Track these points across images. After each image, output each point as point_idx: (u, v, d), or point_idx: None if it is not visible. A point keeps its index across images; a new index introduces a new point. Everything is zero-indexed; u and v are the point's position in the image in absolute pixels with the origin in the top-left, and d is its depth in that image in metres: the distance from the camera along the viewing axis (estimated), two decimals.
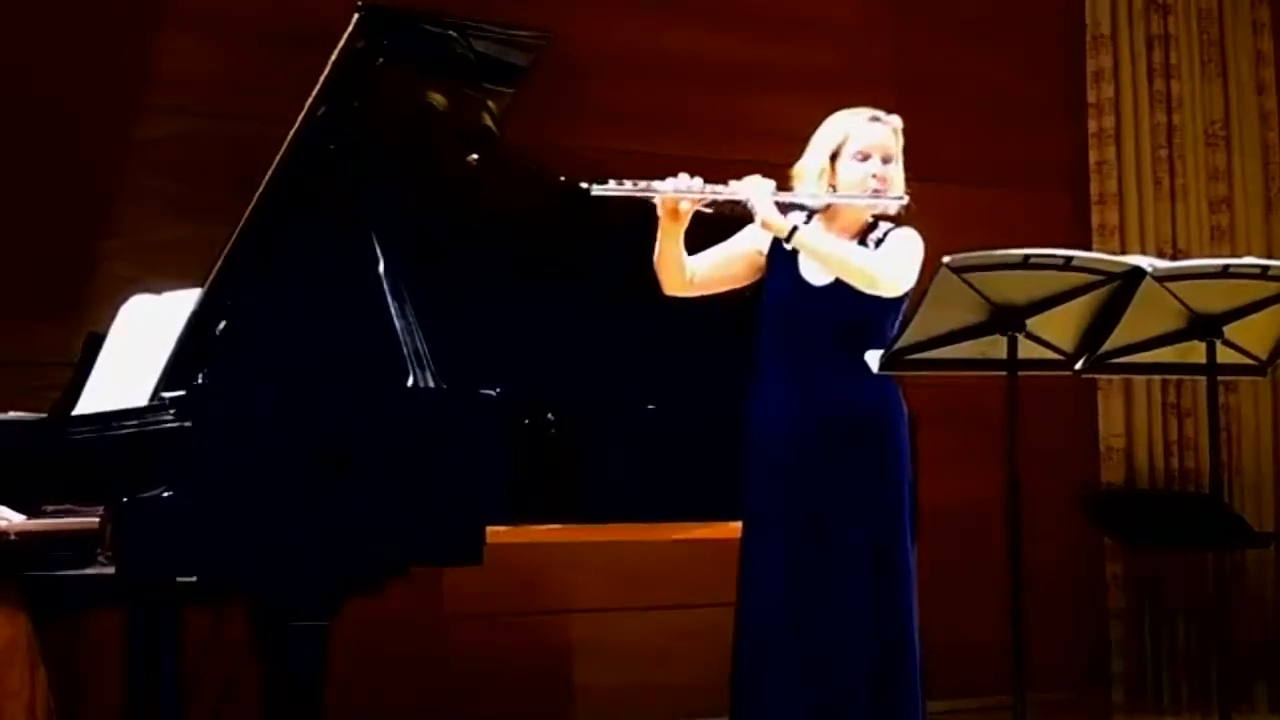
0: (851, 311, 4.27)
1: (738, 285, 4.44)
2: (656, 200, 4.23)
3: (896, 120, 4.40)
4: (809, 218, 4.34)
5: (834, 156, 4.35)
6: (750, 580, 4.30)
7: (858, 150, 4.34)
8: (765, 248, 4.39)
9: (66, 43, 6.01)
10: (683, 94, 7.13)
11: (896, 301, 4.30)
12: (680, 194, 4.21)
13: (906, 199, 4.33)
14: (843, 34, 7.69)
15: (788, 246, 4.28)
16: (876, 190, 4.32)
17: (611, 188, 4.27)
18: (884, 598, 4.25)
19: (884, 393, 4.33)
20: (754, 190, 4.21)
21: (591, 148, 6.35)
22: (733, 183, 4.24)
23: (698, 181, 4.22)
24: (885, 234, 4.38)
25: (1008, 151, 8.00)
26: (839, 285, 4.28)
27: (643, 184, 4.25)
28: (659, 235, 4.29)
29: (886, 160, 4.35)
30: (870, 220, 4.39)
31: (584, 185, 4.30)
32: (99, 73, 6.10)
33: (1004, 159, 7.97)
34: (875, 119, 4.38)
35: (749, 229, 4.42)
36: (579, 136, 6.53)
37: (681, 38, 7.26)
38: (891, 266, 4.26)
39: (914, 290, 4.29)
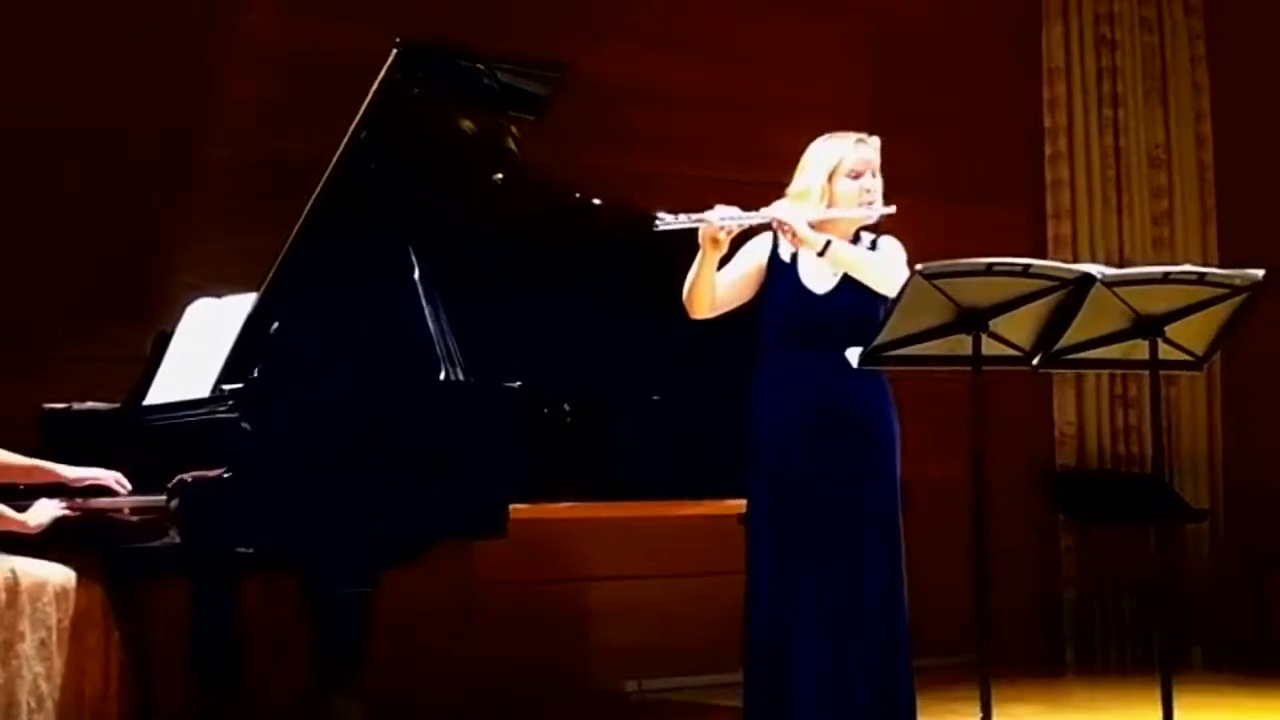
0: (850, 312, 4.27)
1: (746, 299, 4.43)
2: (700, 231, 4.24)
3: (876, 140, 4.43)
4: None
5: (830, 177, 4.35)
6: (760, 564, 4.27)
7: (851, 170, 4.36)
8: (764, 260, 4.39)
9: (142, 78, 6.01)
10: (690, 121, 7.13)
11: (885, 299, 4.29)
12: (726, 222, 4.22)
13: (893, 208, 4.34)
14: (830, 69, 7.68)
15: (784, 239, 4.29)
16: (870, 202, 4.34)
17: (668, 222, 4.27)
18: (883, 568, 4.24)
19: (878, 388, 4.33)
20: (787, 212, 4.24)
21: (609, 169, 6.33)
22: (764, 209, 4.26)
23: (735, 210, 4.24)
24: (875, 240, 4.42)
25: (973, 171, 7.99)
26: (838, 291, 4.31)
27: (695, 216, 4.26)
28: (699, 263, 4.29)
29: (874, 175, 4.38)
30: (857, 228, 4.40)
31: (655, 223, 4.28)
32: (169, 103, 6.09)
33: (970, 178, 7.96)
34: (861, 140, 4.41)
35: (746, 249, 4.43)
36: (601, 157, 6.51)
37: (690, 72, 7.25)
38: (898, 271, 4.27)
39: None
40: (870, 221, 4.40)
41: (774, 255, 4.38)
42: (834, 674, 4.16)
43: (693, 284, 4.33)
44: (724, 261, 4.41)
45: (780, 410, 4.30)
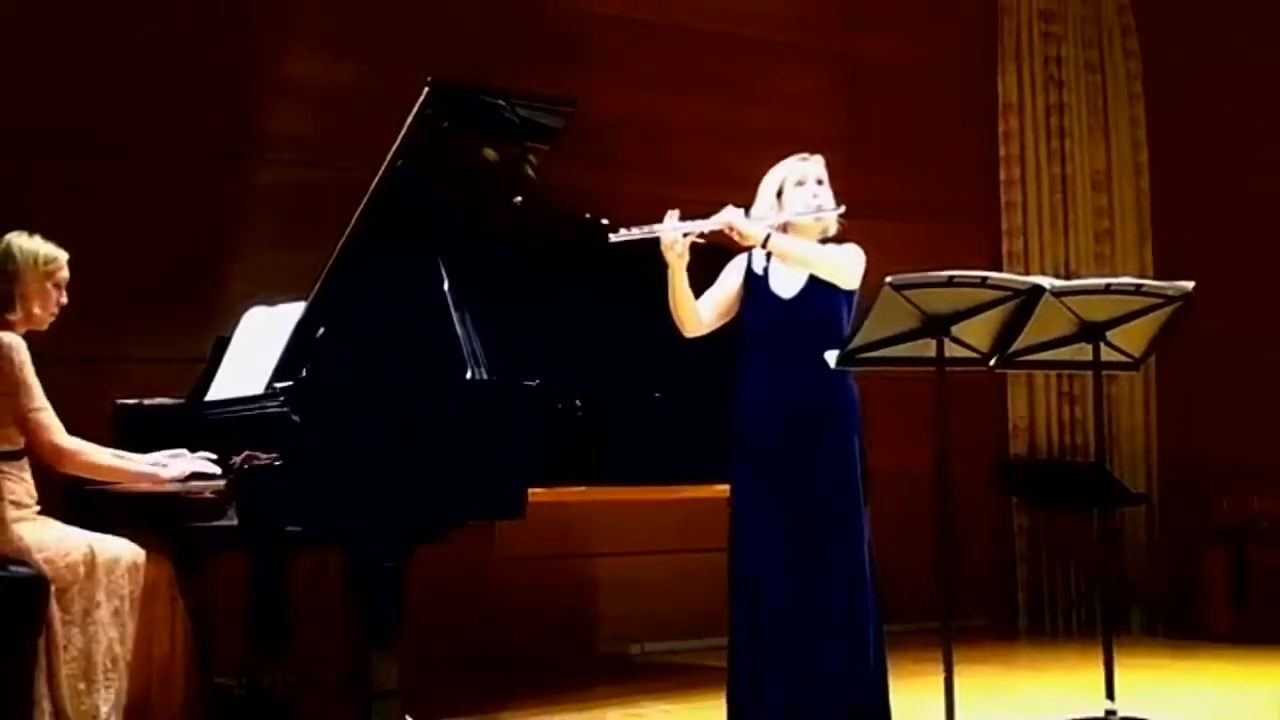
0: (815, 313, 4.23)
1: (732, 315, 4.37)
2: (661, 244, 4.17)
3: (819, 158, 4.37)
4: (768, 256, 4.32)
5: (779, 193, 4.32)
6: (742, 539, 4.23)
7: (796, 181, 4.31)
8: (741, 279, 4.37)
9: (203, 110, 6.04)
10: (682, 149, 7.13)
11: (848, 300, 4.26)
12: (677, 229, 4.16)
13: (843, 207, 4.29)
14: (809, 103, 7.69)
15: (756, 255, 4.26)
16: (820, 206, 4.29)
17: (624, 234, 4.20)
18: (848, 542, 4.18)
19: (842, 385, 4.28)
20: (731, 216, 4.19)
21: (611, 192, 6.33)
22: (714, 216, 4.19)
23: (674, 217, 4.17)
24: (835, 247, 4.32)
25: (937, 194, 8.00)
26: (803, 295, 4.25)
27: (647, 228, 4.19)
28: (670, 278, 4.21)
29: (819, 183, 4.33)
30: (820, 240, 4.32)
31: (610, 235, 4.22)
32: (227, 133, 6.12)
33: (933, 200, 7.97)
34: (803, 158, 4.36)
35: (725, 271, 4.39)
36: (602, 181, 6.52)
37: (681, 105, 7.27)
38: (846, 260, 4.24)
39: (861, 303, 4.25)
40: (829, 227, 4.32)
41: (749, 270, 4.34)
42: (804, 642, 4.12)
43: (673, 301, 4.26)
44: (706, 285, 4.39)
45: (758, 404, 4.25)
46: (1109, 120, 8.43)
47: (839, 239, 4.35)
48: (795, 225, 4.29)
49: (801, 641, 4.13)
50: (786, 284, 4.29)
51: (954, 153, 8.15)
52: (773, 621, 4.14)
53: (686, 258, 4.20)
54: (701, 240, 4.24)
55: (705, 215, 4.22)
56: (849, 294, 4.27)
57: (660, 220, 4.18)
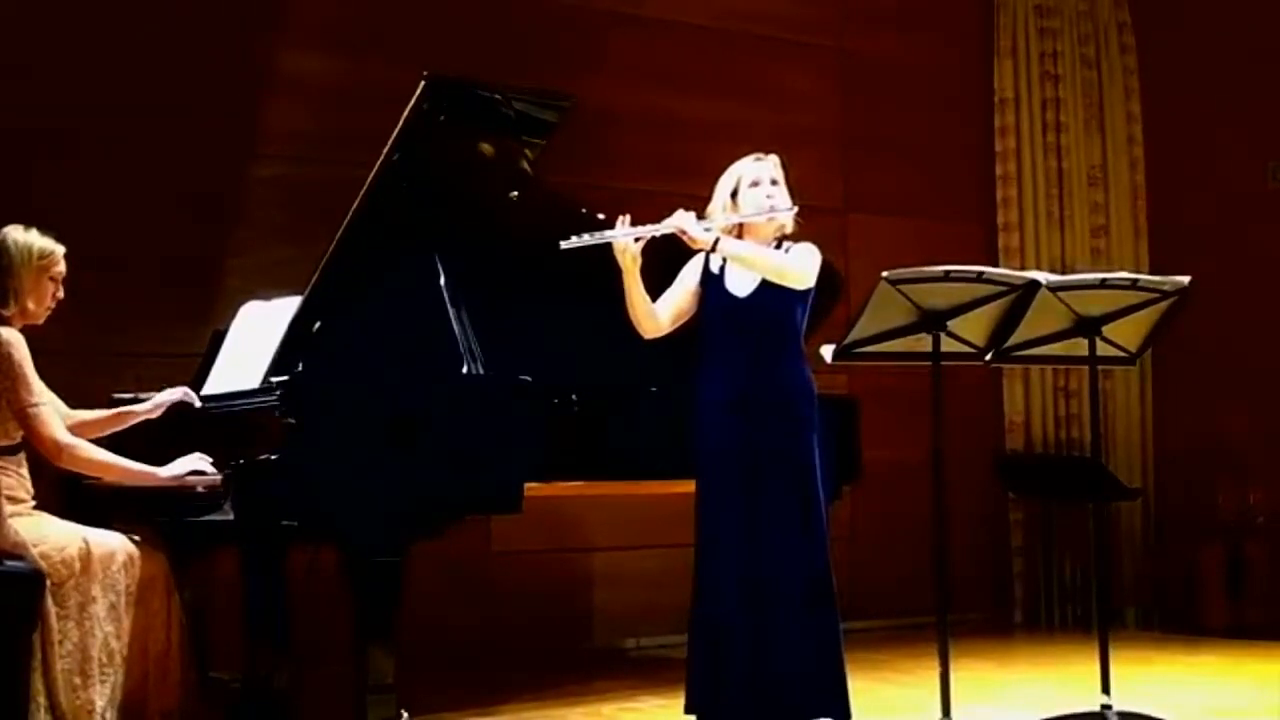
0: (768, 312, 4.20)
1: (689, 316, 4.35)
2: (614, 250, 4.16)
3: (774, 157, 4.35)
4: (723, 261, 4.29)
5: (734, 194, 4.30)
6: (705, 522, 4.22)
7: (750, 181, 4.28)
8: (698, 279, 4.35)
9: (202, 108, 6.04)
10: (680, 145, 7.11)
11: (802, 299, 4.23)
12: (629, 235, 4.15)
13: (796, 207, 4.26)
14: (805, 100, 7.68)
15: (714, 255, 4.23)
16: (772, 207, 4.27)
17: (575, 241, 4.17)
18: (804, 529, 4.15)
19: (796, 376, 4.23)
20: (682, 220, 4.16)
21: (608, 187, 6.34)
22: (665, 220, 4.16)
23: (626, 222, 4.16)
24: (790, 246, 4.30)
25: (933, 190, 7.99)
26: (757, 294, 4.23)
27: (598, 234, 4.18)
28: (625, 280, 4.20)
29: (774, 183, 4.30)
30: (777, 239, 4.30)
31: (561, 243, 4.17)
32: (225, 129, 6.12)
33: (930, 196, 7.96)
34: (758, 158, 4.34)
35: (683, 273, 4.37)
36: (600, 176, 6.52)
37: (681, 102, 7.25)
38: (795, 262, 4.19)
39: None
40: (785, 227, 4.28)
41: (706, 269, 4.32)
42: (758, 640, 4.09)
43: (629, 304, 4.25)
44: (665, 285, 4.36)
45: (714, 401, 4.22)
46: (1105, 115, 8.43)
47: (795, 237, 4.31)
48: (751, 225, 4.27)
49: (754, 648, 4.09)
50: (741, 283, 4.27)
51: (950, 148, 8.14)
52: (728, 624, 4.11)
53: (640, 261, 4.19)
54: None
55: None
56: (804, 293, 4.24)
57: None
